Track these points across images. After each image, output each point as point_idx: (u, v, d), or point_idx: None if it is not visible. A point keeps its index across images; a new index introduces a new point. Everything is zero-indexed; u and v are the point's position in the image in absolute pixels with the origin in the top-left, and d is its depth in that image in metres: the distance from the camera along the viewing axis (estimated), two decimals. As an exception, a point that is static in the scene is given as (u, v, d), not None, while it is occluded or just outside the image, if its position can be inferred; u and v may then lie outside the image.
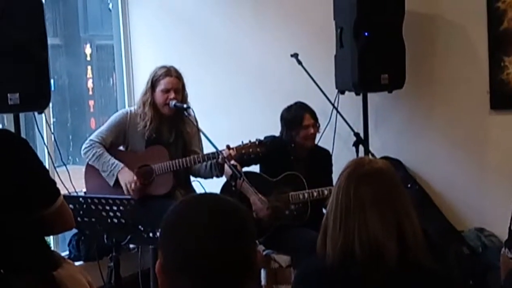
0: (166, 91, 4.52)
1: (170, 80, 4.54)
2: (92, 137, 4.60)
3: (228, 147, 4.34)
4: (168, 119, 4.61)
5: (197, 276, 1.62)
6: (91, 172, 4.59)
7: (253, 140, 4.39)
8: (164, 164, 4.47)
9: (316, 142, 4.82)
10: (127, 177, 4.48)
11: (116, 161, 4.52)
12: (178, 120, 4.64)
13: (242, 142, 4.37)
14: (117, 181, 4.50)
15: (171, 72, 4.56)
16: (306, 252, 4.24)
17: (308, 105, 4.71)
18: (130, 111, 4.68)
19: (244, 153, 4.36)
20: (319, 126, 4.73)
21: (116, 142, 4.62)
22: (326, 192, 4.55)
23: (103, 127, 4.66)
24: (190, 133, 4.66)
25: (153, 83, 4.57)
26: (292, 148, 4.71)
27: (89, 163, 4.57)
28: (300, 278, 2.34)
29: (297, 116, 4.67)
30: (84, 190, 4.70)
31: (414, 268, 2.15)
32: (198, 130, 4.53)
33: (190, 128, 4.64)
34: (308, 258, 3.97)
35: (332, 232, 2.18)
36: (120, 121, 4.63)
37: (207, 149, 4.52)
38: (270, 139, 4.63)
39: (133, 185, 4.46)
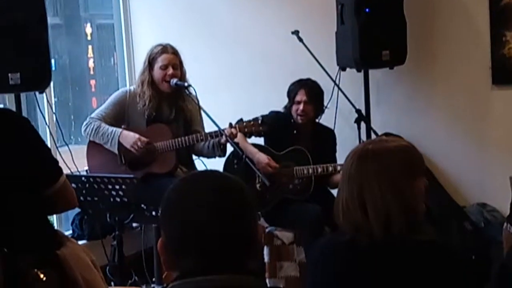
0: (164, 67, 4.52)
1: (167, 57, 4.54)
2: (92, 115, 4.60)
3: (230, 125, 4.33)
4: (167, 96, 4.60)
5: (198, 254, 1.62)
6: (93, 149, 4.59)
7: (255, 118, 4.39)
8: (167, 143, 4.47)
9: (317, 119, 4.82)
10: (129, 140, 4.48)
11: (114, 128, 4.51)
12: (178, 97, 4.63)
13: (242, 119, 4.36)
14: (121, 147, 4.50)
15: (167, 49, 4.57)
16: (308, 226, 4.29)
17: (312, 84, 4.67)
18: (130, 90, 4.68)
19: (247, 132, 4.36)
20: (316, 107, 4.69)
21: (116, 121, 4.61)
22: (330, 168, 4.55)
23: (102, 106, 4.66)
24: (191, 109, 4.66)
25: (150, 62, 4.57)
26: (294, 123, 4.71)
27: (90, 139, 4.56)
28: (320, 252, 2.31)
29: (293, 90, 4.69)
30: (86, 168, 4.71)
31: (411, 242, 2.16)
32: (200, 108, 4.53)
33: (191, 104, 4.63)
34: (315, 232, 4.04)
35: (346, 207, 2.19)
36: (119, 99, 4.63)
37: (209, 127, 4.52)
38: (272, 114, 4.65)
39: (139, 143, 4.47)
